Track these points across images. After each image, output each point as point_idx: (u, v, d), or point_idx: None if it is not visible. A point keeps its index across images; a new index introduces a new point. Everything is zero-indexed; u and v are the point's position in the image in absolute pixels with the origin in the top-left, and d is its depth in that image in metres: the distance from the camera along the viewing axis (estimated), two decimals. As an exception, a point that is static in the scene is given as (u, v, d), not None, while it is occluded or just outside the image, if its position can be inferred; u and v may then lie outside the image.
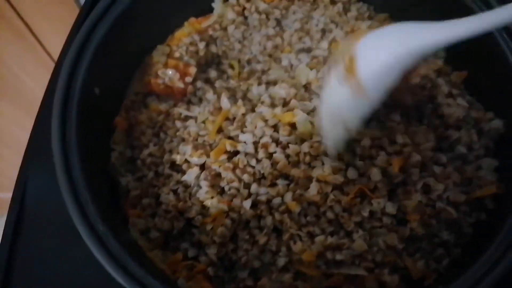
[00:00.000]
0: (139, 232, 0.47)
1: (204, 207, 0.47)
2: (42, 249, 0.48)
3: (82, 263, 0.41)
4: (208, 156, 0.49)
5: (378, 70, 0.38)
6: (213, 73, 0.57)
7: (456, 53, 0.53)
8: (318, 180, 0.46)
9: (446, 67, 0.55)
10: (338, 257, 0.43)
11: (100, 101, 0.50)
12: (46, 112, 0.52)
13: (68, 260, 0.46)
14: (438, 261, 0.44)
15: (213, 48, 0.59)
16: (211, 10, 0.62)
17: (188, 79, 0.56)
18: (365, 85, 0.39)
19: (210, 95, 0.54)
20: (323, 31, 0.59)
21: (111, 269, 0.38)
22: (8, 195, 0.52)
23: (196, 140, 0.51)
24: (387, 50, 0.38)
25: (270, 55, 0.58)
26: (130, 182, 0.50)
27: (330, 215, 0.45)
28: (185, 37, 0.59)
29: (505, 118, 0.49)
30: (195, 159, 0.49)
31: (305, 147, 0.47)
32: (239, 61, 0.59)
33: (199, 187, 0.48)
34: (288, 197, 0.45)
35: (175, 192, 0.49)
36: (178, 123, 0.53)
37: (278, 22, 0.61)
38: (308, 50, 0.58)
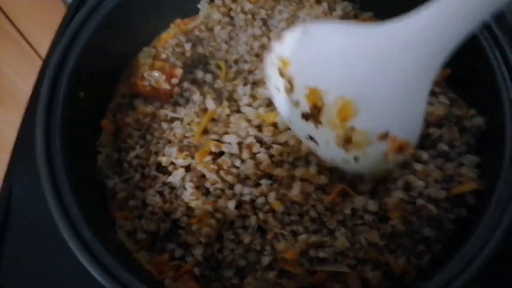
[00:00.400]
0: (126, 234, 0.48)
1: (189, 208, 0.47)
2: (29, 253, 0.48)
3: (68, 266, 0.41)
4: (193, 157, 0.49)
5: None
6: (200, 74, 0.58)
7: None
8: (301, 180, 0.46)
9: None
10: (321, 254, 0.44)
11: (85, 104, 0.50)
12: (32, 115, 0.53)
13: (55, 264, 0.47)
14: (419, 257, 0.45)
15: (200, 49, 0.59)
16: (196, 11, 0.62)
17: (174, 80, 0.56)
18: None
19: (196, 96, 0.55)
20: (308, 31, 0.59)
21: (96, 273, 0.38)
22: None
23: (182, 141, 0.51)
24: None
25: (257, 55, 0.59)
26: (117, 184, 0.51)
27: (313, 213, 0.45)
28: (171, 38, 0.59)
29: (487, 115, 0.49)
30: (180, 161, 0.49)
31: (288, 147, 0.47)
32: (226, 61, 0.59)
33: (184, 188, 0.48)
34: (272, 197, 0.46)
35: (161, 193, 0.49)
36: (164, 125, 0.53)
37: (264, 22, 0.61)
38: (293, 50, 0.58)
